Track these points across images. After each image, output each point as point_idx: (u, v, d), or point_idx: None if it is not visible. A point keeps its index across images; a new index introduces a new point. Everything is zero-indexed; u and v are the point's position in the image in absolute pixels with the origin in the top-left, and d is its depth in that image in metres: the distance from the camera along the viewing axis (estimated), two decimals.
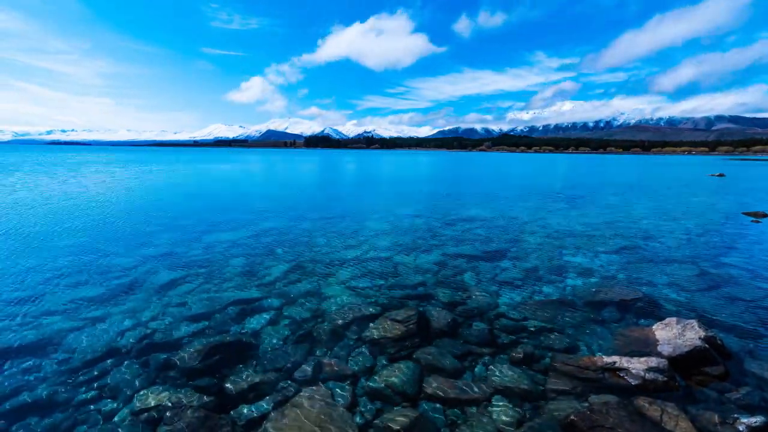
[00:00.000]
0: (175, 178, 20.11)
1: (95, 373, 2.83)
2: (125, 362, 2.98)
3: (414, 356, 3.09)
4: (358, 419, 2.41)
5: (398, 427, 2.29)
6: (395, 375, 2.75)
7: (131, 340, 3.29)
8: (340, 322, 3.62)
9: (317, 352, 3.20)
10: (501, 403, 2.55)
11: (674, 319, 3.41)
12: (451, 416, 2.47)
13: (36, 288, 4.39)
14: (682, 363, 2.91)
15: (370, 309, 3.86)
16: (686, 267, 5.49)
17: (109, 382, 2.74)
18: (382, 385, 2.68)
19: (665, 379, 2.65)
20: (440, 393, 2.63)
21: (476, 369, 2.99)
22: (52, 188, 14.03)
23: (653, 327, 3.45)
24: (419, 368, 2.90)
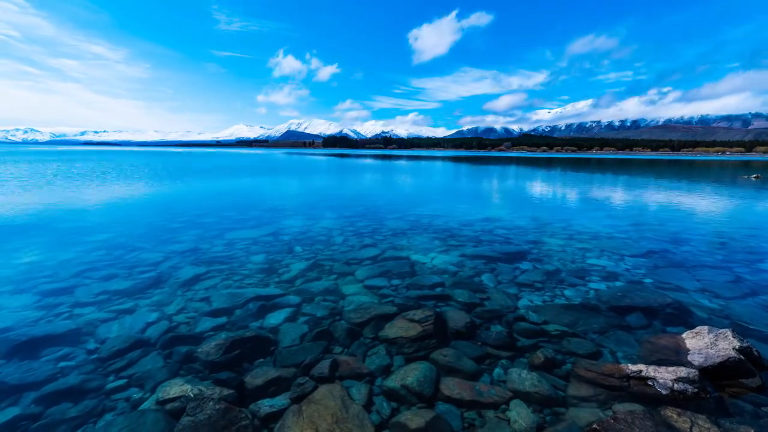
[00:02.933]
0: (198, 177, 20.76)
1: (123, 362, 2.96)
2: (151, 353, 3.09)
3: (431, 357, 3.07)
4: (374, 418, 2.42)
5: (414, 427, 2.28)
6: (411, 375, 2.74)
7: (157, 332, 3.41)
8: (356, 320, 3.64)
9: (334, 350, 3.22)
10: (519, 408, 2.50)
11: (706, 327, 3.25)
12: (468, 419, 2.44)
13: (70, 280, 4.62)
14: (714, 374, 2.77)
15: (387, 308, 3.86)
16: (719, 272, 5.21)
17: (135, 371, 2.86)
18: (398, 385, 2.67)
19: (695, 390, 2.53)
20: (457, 395, 2.59)
21: (494, 372, 2.93)
22: (88, 186, 14.75)
23: (683, 335, 3.30)
24: (436, 369, 2.88)
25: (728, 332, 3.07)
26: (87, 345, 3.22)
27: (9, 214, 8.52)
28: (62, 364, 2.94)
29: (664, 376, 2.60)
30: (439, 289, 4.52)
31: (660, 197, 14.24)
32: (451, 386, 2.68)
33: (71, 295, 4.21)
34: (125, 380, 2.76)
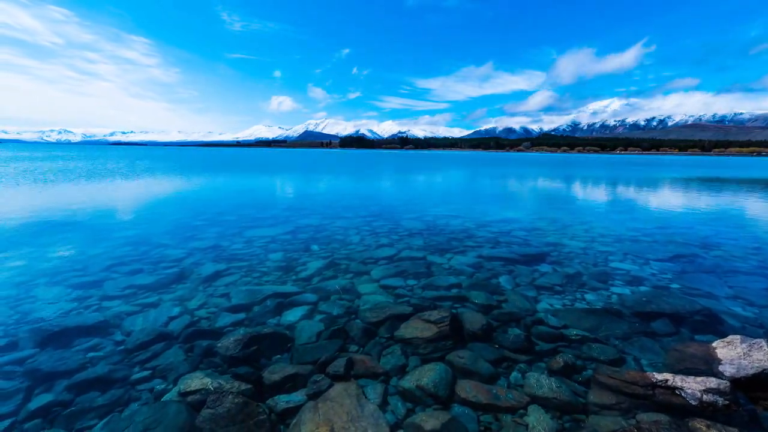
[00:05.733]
0: (219, 176, 21.31)
1: (148, 354, 3.06)
2: (173, 346, 3.19)
3: (446, 358, 3.04)
4: (389, 417, 2.41)
5: (429, 429, 2.26)
6: (427, 376, 2.72)
7: (179, 326, 3.52)
8: (372, 319, 3.64)
9: (350, 349, 3.24)
10: (538, 413, 2.44)
11: (738, 337, 3.08)
12: (484, 422, 2.40)
13: (99, 274, 4.83)
14: (747, 386, 2.63)
15: (403, 308, 3.85)
16: (754, 279, 4.94)
17: (159, 363, 2.96)
18: (414, 385, 2.66)
19: (726, 402, 2.40)
20: (473, 398, 2.56)
21: (511, 376, 2.88)
22: (116, 186, 15.39)
23: (713, 344, 3.14)
24: (451, 371, 2.85)
25: (763, 342, 2.90)
26: (114, 337, 3.36)
27: (44, 211, 8.99)
28: (91, 354, 3.07)
29: (693, 386, 2.49)
30: (455, 290, 4.48)
31: (689, 199, 13.64)
32: (467, 389, 2.65)
33: (100, 288, 4.40)
34: (149, 372, 2.86)
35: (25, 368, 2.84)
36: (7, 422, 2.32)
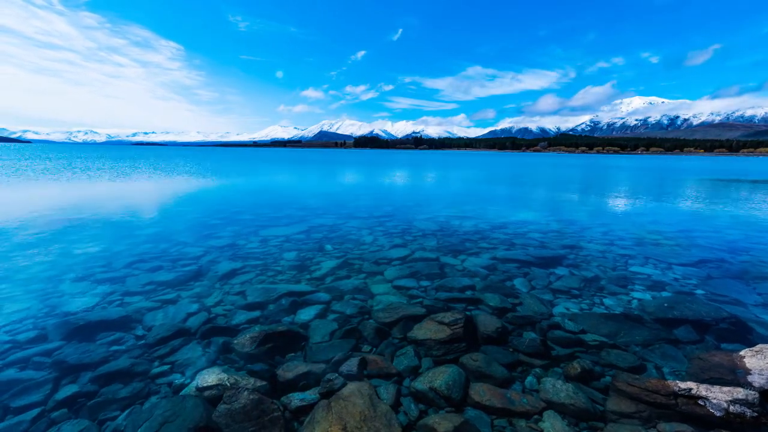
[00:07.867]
0: (235, 177, 21.72)
1: (167, 349, 3.15)
2: (191, 342, 3.27)
3: (460, 361, 3.02)
4: (401, 418, 2.41)
5: (442, 431, 2.25)
6: (440, 378, 2.70)
7: (197, 323, 3.61)
8: (385, 320, 3.65)
9: (363, 348, 3.26)
10: (553, 419, 2.39)
11: None
12: (498, 426, 2.37)
13: (122, 270, 5.00)
14: None
15: (416, 309, 3.84)
16: None
17: (177, 358, 3.04)
18: (427, 387, 2.65)
19: (755, 414, 2.30)
20: (487, 401, 2.53)
21: (527, 380, 2.83)
22: (137, 185, 15.89)
23: (740, 353, 3.01)
24: (465, 374, 2.82)
25: None
26: (135, 331, 3.47)
27: (71, 209, 9.36)
28: (114, 348, 3.18)
29: (718, 396, 2.39)
30: (469, 292, 4.44)
31: (716, 201, 13.11)
32: (481, 392, 2.62)
33: (123, 284, 4.55)
34: (168, 366, 2.94)
35: (53, 359, 2.96)
36: (36, 411, 2.43)
